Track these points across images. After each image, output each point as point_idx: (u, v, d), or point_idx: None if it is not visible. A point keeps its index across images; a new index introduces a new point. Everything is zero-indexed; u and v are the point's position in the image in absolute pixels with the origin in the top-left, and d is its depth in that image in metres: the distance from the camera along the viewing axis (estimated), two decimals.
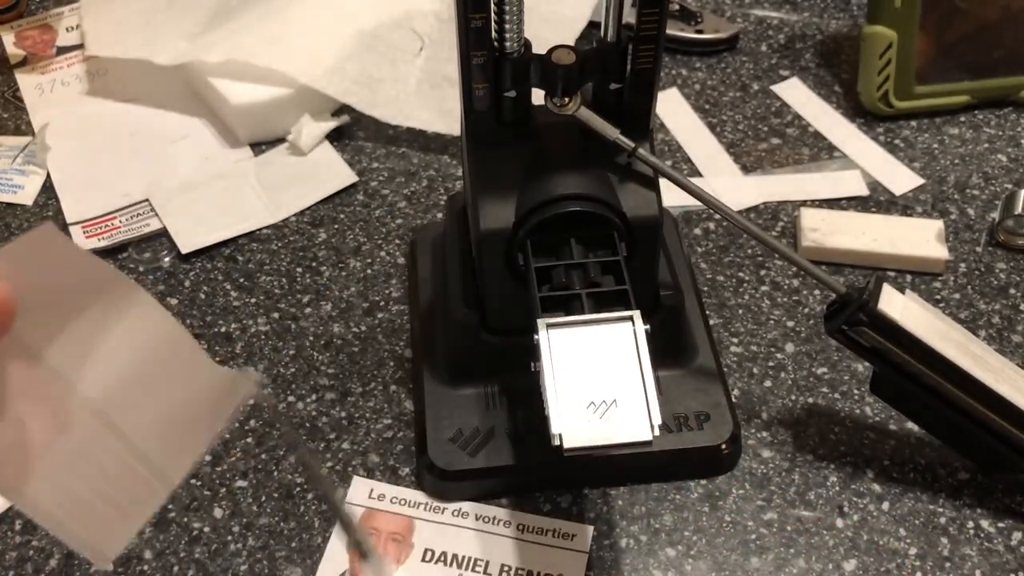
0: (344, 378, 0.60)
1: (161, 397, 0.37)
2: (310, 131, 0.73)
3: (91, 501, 0.35)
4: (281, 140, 0.75)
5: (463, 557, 0.52)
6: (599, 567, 0.52)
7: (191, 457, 0.38)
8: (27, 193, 0.72)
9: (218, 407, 0.38)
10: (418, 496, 0.55)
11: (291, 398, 0.59)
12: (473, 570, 0.52)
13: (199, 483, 0.56)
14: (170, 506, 0.55)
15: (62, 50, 0.83)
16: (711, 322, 0.62)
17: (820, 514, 0.54)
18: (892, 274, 0.65)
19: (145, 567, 0.52)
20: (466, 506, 0.54)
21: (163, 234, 0.68)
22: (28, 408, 0.34)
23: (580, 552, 0.52)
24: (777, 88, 0.78)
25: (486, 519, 0.54)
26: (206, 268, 0.67)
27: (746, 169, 0.72)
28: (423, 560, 0.52)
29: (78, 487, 0.35)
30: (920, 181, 0.71)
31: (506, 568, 0.52)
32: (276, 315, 0.64)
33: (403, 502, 0.55)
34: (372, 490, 0.55)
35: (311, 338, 0.62)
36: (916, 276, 0.65)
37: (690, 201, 0.52)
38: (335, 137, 0.75)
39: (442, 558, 0.52)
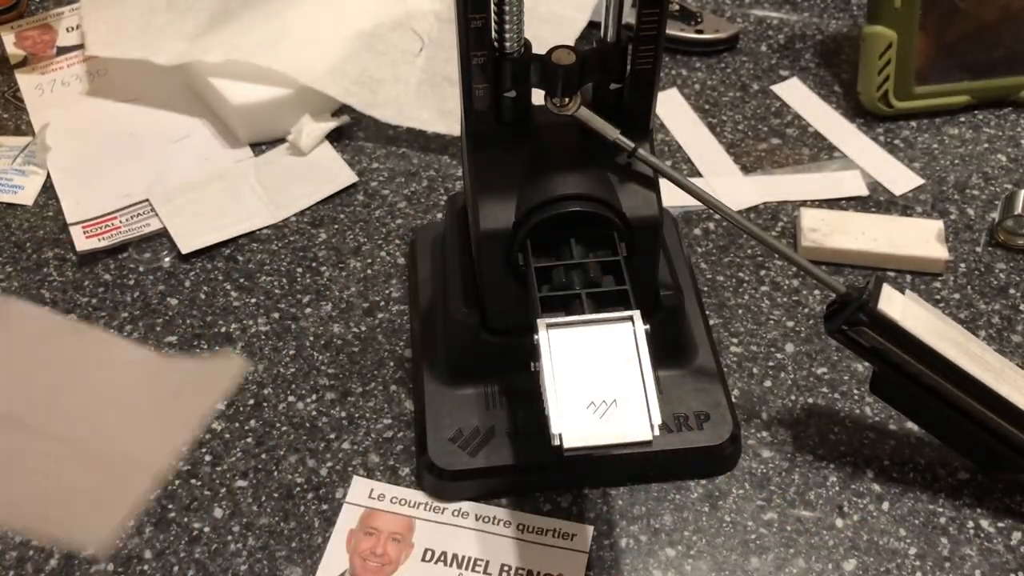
0: (344, 378, 0.60)
1: (113, 398, 0.37)
2: (310, 131, 0.73)
3: (46, 499, 0.34)
4: (281, 140, 0.75)
5: (463, 557, 0.52)
6: (599, 567, 0.52)
7: (175, 442, 0.38)
8: (27, 193, 0.72)
9: (199, 394, 0.39)
10: (418, 496, 0.55)
11: (291, 398, 0.59)
12: (473, 570, 0.52)
13: (199, 483, 0.56)
14: (170, 506, 0.55)
15: (62, 50, 0.83)
16: (711, 322, 0.62)
17: (820, 514, 0.54)
18: (892, 274, 0.65)
19: (145, 567, 0.52)
20: (466, 506, 0.54)
21: (163, 234, 0.68)
22: None
23: (580, 552, 0.52)
24: (777, 88, 0.78)
25: (486, 519, 0.54)
26: (206, 268, 0.67)
27: (746, 169, 0.72)
28: (423, 560, 0.52)
29: (19, 492, 0.34)
30: (920, 181, 0.71)
31: (506, 568, 0.52)
32: (276, 315, 0.64)
33: (403, 502, 0.55)
34: (372, 490, 0.55)
35: (311, 338, 0.62)
36: (916, 276, 0.65)
37: (690, 201, 0.52)
38: (335, 137, 0.75)
39: (442, 558, 0.53)
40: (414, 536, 0.53)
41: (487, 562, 0.52)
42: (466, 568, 0.52)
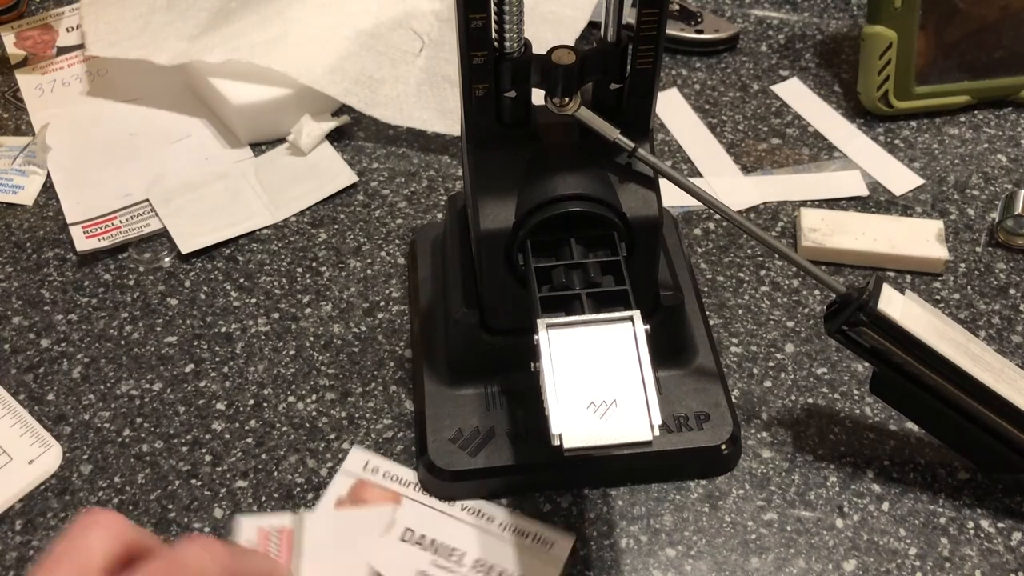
0: (344, 378, 0.60)
1: None
2: (310, 131, 0.73)
3: None
4: (281, 140, 0.75)
5: (440, 544, 0.53)
6: (599, 567, 0.52)
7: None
8: (27, 193, 0.72)
9: None
10: (411, 475, 0.55)
11: (291, 398, 0.59)
12: (448, 558, 0.52)
13: (199, 483, 0.56)
14: (170, 506, 0.55)
15: (62, 50, 0.83)
16: (711, 322, 0.62)
17: (820, 514, 0.54)
18: (892, 274, 0.65)
19: None
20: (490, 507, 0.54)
21: (163, 234, 0.68)
22: None
23: (557, 559, 0.52)
24: (777, 88, 0.78)
25: (471, 511, 0.54)
26: (206, 268, 0.67)
27: (746, 169, 0.72)
28: (401, 539, 0.53)
29: None
30: (920, 181, 0.71)
31: (480, 563, 0.52)
32: (276, 315, 0.64)
33: (395, 478, 0.55)
34: (368, 462, 0.56)
35: (311, 338, 0.62)
36: (916, 276, 0.65)
37: (690, 201, 0.52)
38: (335, 137, 0.75)
39: (420, 541, 0.53)
40: (398, 513, 0.54)
41: (464, 554, 0.52)
42: (440, 555, 0.52)
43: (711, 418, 0.55)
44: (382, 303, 0.64)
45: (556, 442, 0.43)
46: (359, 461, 0.56)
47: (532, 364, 0.46)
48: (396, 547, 0.53)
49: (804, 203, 0.69)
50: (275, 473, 0.56)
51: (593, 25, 0.80)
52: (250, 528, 0.53)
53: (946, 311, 0.62)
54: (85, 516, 0.35)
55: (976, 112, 0.75)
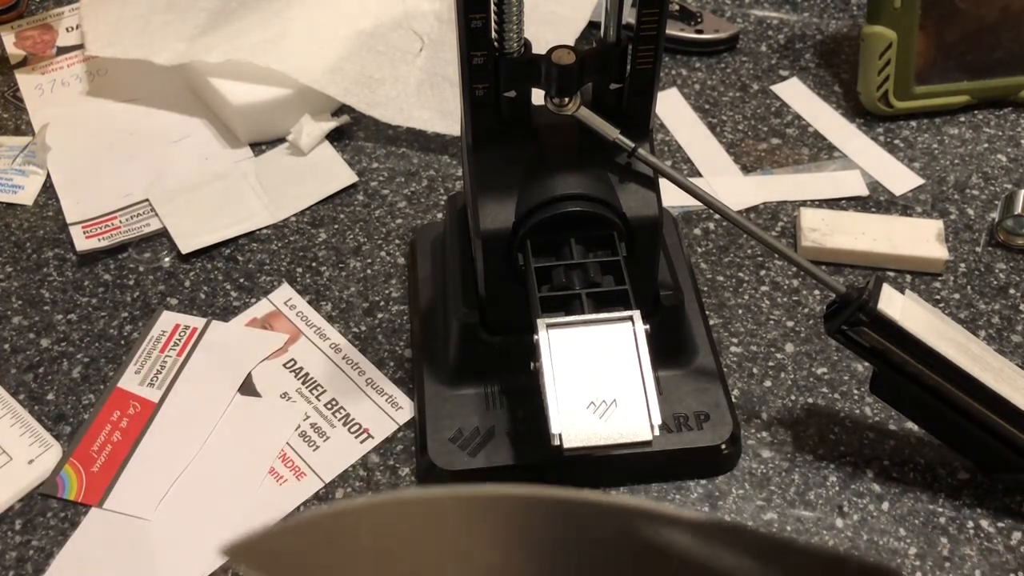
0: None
1: None
2: (310, 131, 0.73)
3: None
4: (281, 140, 0.75)
5: (312, 380, 0.59)
6: None
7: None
8: (27, 193, 0.72)
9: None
10: (320, 321, 0.62)
11: None
12: (311, 391, 0.59)
13: None
14: None
15: (62, 50, 0.83)
16: (711, 322, 0.62)
17: (820, 514, 0.54)
18: (892, 274, 0.65)
19: None
20: (357, 357, 0.61)
21: (163, 234, 0.68)
22: None
23: (402, 413, 0.58)
24: (777, 88, 0.78)
25: (354, 365, 0.60)
26: (206, 268, 0.67)
27: (746, 169, 0.72)
28: (283, 365, 0.60)
29: None
30: (920, 181, 0.71)
31: (333, 403, 0.58)
32: None
33: (306, 320, 0.62)
34: (290, 300, 0.63)
35: None
36: (916, 276, 0.65)
37: (690, 201, 0.52)
38: (335, 137, 0.75)
39: (296, 371, 0.60)
40: (293, 346, 0.61)
41: (324, 391, 0.59)
42: (307, 388, 0.59)
43: (711, 418, 0.55)
44: (382, 303, 0.64)
45: (556, 442, 0.43)
46: (284, 296, 0.64)
47: (532, 364, 0.46)
48: (275, 370, 0.60)
49: (804, 203, 0.69)
50: None
51: (593, 25, 0.80)
52: (168, 321, 0.62)
53: (946, 311, 0.62)
54: None
55: (976, 112, 0.75)
